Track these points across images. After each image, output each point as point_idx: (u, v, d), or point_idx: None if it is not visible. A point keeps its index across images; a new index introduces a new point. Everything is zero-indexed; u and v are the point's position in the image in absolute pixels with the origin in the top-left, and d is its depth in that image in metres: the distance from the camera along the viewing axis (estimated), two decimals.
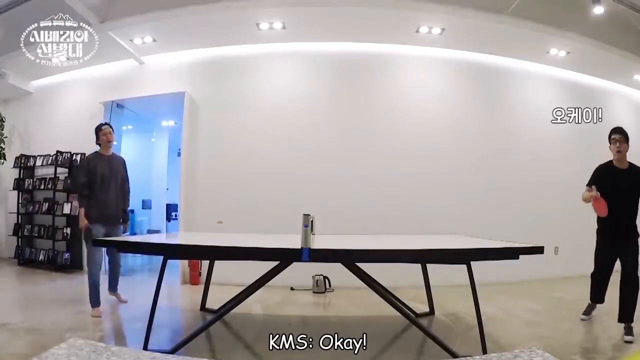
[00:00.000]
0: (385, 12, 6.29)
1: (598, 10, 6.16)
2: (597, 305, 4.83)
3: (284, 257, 3.31)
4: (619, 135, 4.41)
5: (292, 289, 6.30)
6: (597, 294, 4.76)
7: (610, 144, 4.50)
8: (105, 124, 5.40)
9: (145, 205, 12.32)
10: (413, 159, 6.99)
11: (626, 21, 6.95)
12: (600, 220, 4.61)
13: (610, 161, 4.54)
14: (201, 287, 5.20)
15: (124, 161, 5.58)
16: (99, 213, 5.01)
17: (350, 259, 3.43)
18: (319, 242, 3.42)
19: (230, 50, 7.28)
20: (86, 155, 5.71)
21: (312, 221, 3.21)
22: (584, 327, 4.63)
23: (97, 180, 5.07)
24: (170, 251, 3.68)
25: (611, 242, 4.57)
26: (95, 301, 4.78)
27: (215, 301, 4.85)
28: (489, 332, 3.83)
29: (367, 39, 7.08)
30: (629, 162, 4.47)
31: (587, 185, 4.57)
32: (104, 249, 5.36)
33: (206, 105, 7.23)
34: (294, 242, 3.19)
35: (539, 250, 3.46)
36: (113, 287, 5.46)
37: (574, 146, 7.94)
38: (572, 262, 7.31)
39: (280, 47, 7.18)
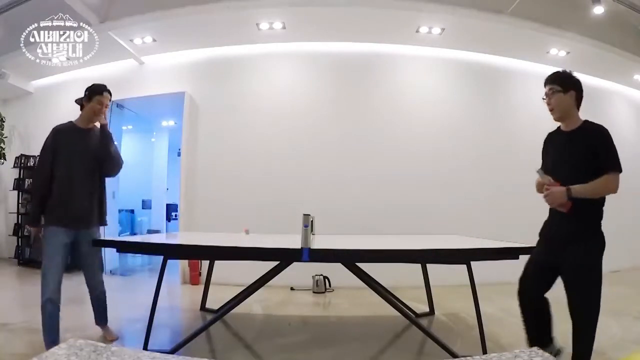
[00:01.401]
0: (385, 12, 6.29)
1: (598, 10, 6.17)
2: (558, 347, 3.24)
3: (284, 257, 3.32)
4: (549, 86, 3.01)
5: (292, 289, 6.32)
6: (533, 332, 3.19)
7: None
8: (106, 87, 3.94)
9: (145, 205, 12.33)
10: (413, 159, 6.99)
11: (626, 21, 6.97)
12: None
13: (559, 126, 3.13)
14: (201, 287, 5.20)
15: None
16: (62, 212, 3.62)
17: (350, 259, 3.43)
18: (319, 242, 3.42)
19: (230, 50, 7.29)
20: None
21: (312, 221, 3.22)
22: None
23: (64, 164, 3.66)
24: (170, 251, 3.68)
25: (548, 247, 3.06)
26: (50, 336, 3.44)
27: (215, 301, 4.86)
28: (489, 332, 3.83)
29: (367, 39, 7.09)
30: (584, 120, 3.01)
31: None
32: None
33: (206, 105, 7.24)
34: (294, 242, 3.19)
35: None
36: (101, 319, 4.11)
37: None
38: None
39: (280, 47, 7.19)
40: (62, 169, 3.64)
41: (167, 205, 11.73)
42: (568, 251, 2.88)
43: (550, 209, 3.05)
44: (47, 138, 3.72)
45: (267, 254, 3.27)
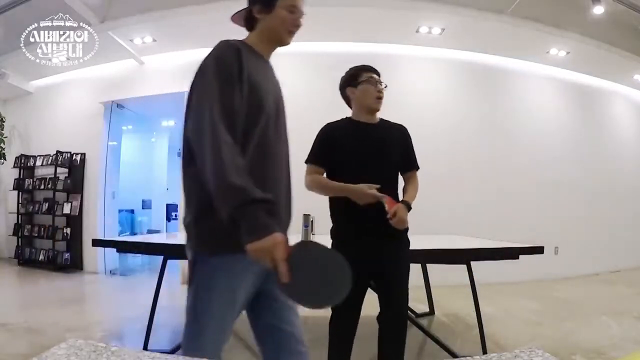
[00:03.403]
0: (385, 12, 6.28)
1: (598, 10, 6.15)
2: None
3: None
4: (376, 75, 2.82)
5: None
6: None
7: (358, 85, 2.80)
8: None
9: (145, 205, 12.33)
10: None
11: (626, 21, 6.96)
12: (338, 211, 2.72)
13: (347, 118, 2.89)
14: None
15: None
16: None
17: None
18: (320, 242, 3.42)
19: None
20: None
21: (312, 221, 3.22)
22: (585, 327, 4.63)
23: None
24: (170, 251, 3.68)
25: (359, 250, 2.43)
26: None
27: None
28: (489, 332, 3.84)
29: (366, 39, 7.08)
30: (380, 118, 2.87)
31: (309, 162, 2.83)
32: None
33: None
34: (294, 241, 3.18)
35: (539, 250, 3.46)
36: None
37: (574, 146, 7.97)
38: (572, 262, 7.35)
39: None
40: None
41: (167, 205, 11.74)
42: None
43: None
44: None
45: None
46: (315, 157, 2.80)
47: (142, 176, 11.80)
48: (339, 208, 2.70)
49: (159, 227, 11.56)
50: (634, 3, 6.47)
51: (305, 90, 7.08)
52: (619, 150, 8.56)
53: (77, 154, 7.87)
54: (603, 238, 7.83)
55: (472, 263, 3.49)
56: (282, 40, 1.83)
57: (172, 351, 3.30)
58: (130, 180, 10.51)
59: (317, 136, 2.85)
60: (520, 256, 3.43)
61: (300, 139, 6.91)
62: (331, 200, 2.77)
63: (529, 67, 7.89)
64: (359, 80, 2.81)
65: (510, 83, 7.77)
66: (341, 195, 2.61)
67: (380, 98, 2.77)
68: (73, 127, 7.98)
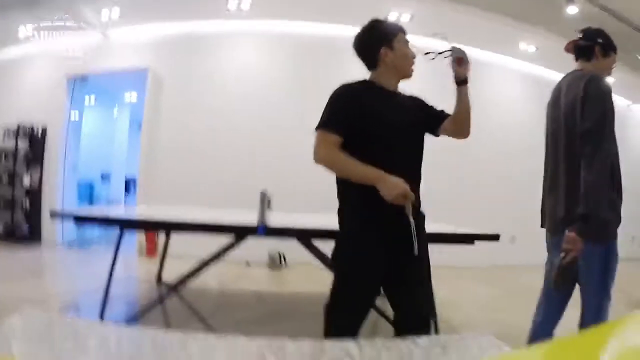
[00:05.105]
0: None
1: (571, 10, 6.24)
2: None
3: (239, 232, 3.33)
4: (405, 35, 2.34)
5: (247, 264, 6.43)
6: None
7: (394, 46, 2.26)
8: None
9: (105, 178, 12.19)
10: None
11: (597, 21, 6.95)
12: (361, 198, 2.08)
13: (368, 81, 2.31)
14: (158, 260, 5.23)
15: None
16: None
17: (304, 235, 3.48)
18: (277, 218, 3.50)
19: (197, 27, 7.20)
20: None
21: (269, 199, 3.31)
22: None
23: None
24: (127, 224, 3.67)
25: (387, 245, 2.06)
26: None
27: (171, 274, 4.89)
28: (445, 316, 4.00)
29: (334, 21, 7.09)
30: None
31: (324, 128, 2.11)
32: None
33: (170, 80, 7.16)
34: (251, 217, 3.23)
35: (494, 237, 3.52)
36: None
37: (539, 139, 8.25)
38: (529, 251, 7.61)
39: (246, 25, 7.15)
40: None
41: (127, 178, 11.62)
42: None
43: None
44: None
45: (223, 228, 3.35)
46: (332, 123, 2.11)
47: (103, 149, 11.65)
48: (359, 202, 2.12)
49: (118, 200, 11.48)
50: (605, 5, 6.59)
51: (270, 67, 7.20)
52: None
53: (38, 127, 7.76)
54: None
55: (430, 246, 3.59)
56: None
57: (127, 323, 3.37)
58: (90, 152, 10.38)
59: (334, 97, 2.20)
60: (478, 243, 3.49)
61: (263, 115, 6.88)
62: (348, 186, 2.13)
63: (499, 60, 8.09)
64: (394, 42, 2.28)
65: (478, 75, 7.94)
66: (364, 183, 2.01)
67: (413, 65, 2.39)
68: (35, 100, 7.79)
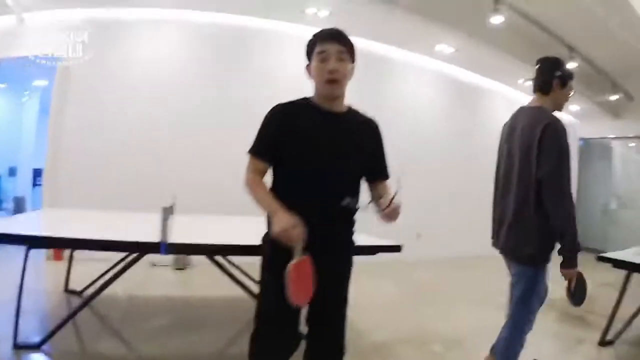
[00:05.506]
0: None
1: (496, 19, 6.31)
2: None
3: (142, 250, 3.26)
4: (335, 43, 2.10)
5: (153, 264, 6.28)
6: None
7: (314, 60, 2.10)
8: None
9: (12, 172, 11.49)
10: None
11: (515, 27, 7.04)
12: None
13: (306, 100, 2.17)
14: (65, 263, 5.00)
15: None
16: None
17: (208, 252, 3.50)
18: (183, 226, 3.44)
19: (112, 13, 6.76)
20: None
21: (172, 211, 3.19)
22: (445, 315, 4.98)
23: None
24: (33, 243, 3.42)
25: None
26: None
27: (79, 279, 4.78)
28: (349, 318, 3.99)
29: (253, 13, 7.07)
30: (349, 105, 2.23)
31: (252, 153, 2.14)
32: None
33: (81, 68, 6.71)
34: (156, 228, 3.08)
35: (396, 248, 3.59)
36: None
37: (447, 138, 8.59)
38: (433, 247, 7.86)
39: (162, 13, 6.90)
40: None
41: (35, 170, 10.98)
42: None
43: None
44: None
45: (124, 246, 3.24)
46: (259, 148, 2.12)
47: (10, 140, 10.98)
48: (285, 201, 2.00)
49: (25, 194, 10.84)
50: (527, 12, 6.80)
51: (185, 60, 7.07)
52: (492, 147, 9.29)
53: None
54: (465, 225, 8.46)
55: None
56: None
57: (41, 343, 3.27)
58: None
59: (265, 118, 2.12)
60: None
61: (178, 109, 6.68)
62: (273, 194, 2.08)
63: (416, 60, 8.37)
64: (313, 55, 2.13)
65: (394, 73, 8.10)
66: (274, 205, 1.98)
67: (332, 81, 2.06)
68: None
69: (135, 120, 6.76)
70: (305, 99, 2.17)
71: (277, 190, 2.10)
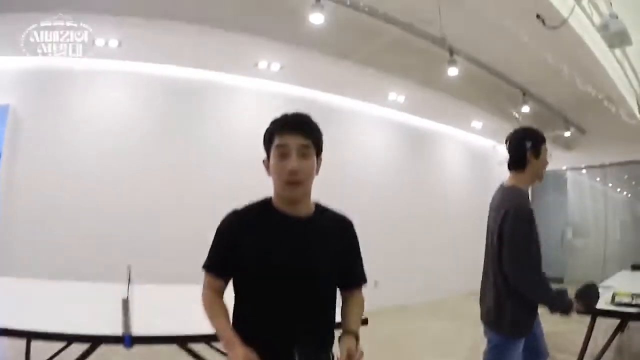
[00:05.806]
0: (224, 42, 6.04)
1: (452, 72, 6.30)
2: None
3: (105, 341, 3.04)
4: (297, 136, 1.82)
5: None
6: None
7: (273, 155, 1.83)
8: None
9: None
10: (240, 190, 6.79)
11: (470, 74, 7.04)
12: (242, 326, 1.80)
13: (265, 202, 1.90)
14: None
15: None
16: None
17: (175, 341, 3.24)
18: (143, 303, 3.26)
19: (62, 62, 6.39)
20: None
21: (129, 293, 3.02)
22: None
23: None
24: None
25: None
26: None
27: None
28: None
29: (205, 66, 6.89)
30: (316, 204, 1.97)
31: (205, 269, 1.89)
32: None
33: (32, 120, 6.38)
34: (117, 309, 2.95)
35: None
36: None
37: (402, 185, 8.76)
38: (393, 294, 7.79)
39: (114, 64, 6.60)
40: None
41: None
42: None
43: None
44: None
45: (87, 339, 3.01)
46: (212, 264, 1.88)
47: None
48: (245, 326, 1.76)
49: None
50: (479, 59, 6.87)
51: (137, 112, 6.76)
52: (446, 190, 9.60)
53: None
54: (424, 271, 8.63)
55: None
56: None
57: None
58: None
59: (217, 229, 1.87)
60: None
61: (132, 164, 6.35)
62: (235, 309, 1.84)
63: (370, 110, 8.47)
64: (272, 149, 1.84)
65: (348, 123, 8.09)
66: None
67: (293, 183, 1.77)
68: None
69: (86, 174, 6.39)
70: (265, 202, 1.89)
71: (238, 312, 1.83)
